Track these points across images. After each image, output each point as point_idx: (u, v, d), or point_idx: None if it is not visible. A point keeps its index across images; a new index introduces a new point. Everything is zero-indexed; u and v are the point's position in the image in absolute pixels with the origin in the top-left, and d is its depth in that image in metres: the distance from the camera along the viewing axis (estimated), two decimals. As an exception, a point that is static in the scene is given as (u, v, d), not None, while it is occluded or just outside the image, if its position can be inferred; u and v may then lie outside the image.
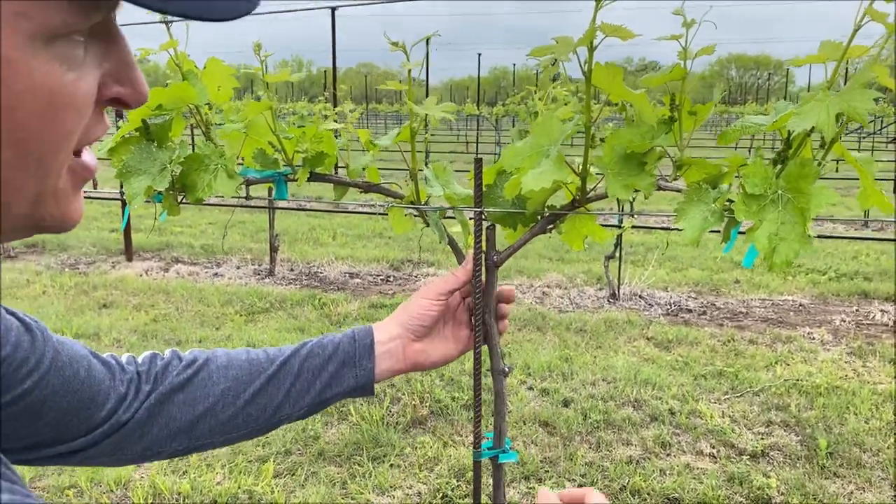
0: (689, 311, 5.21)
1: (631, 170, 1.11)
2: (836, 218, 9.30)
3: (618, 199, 1.09)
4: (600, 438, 3.17)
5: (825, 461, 2.97)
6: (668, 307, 5.28)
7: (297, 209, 8.52)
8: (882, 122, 23.55)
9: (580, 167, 1.13)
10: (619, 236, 5.46)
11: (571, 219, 1.29)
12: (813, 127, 0.96)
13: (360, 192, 1.31)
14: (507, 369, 1.30)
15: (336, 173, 1.32)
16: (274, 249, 6.17)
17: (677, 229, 1.08)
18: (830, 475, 2.89)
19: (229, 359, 0.96)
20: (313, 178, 1.26)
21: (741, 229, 1.14)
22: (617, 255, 5.69)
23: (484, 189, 1.21)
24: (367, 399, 3.56)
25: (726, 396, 3.62)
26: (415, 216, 1.33)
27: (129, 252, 6.79)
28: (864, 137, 22.12)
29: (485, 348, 1.22)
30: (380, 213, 8.41)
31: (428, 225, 1.32)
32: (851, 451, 3.05)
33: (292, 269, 6.44)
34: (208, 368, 0.94)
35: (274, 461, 2.98)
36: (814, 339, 4.54)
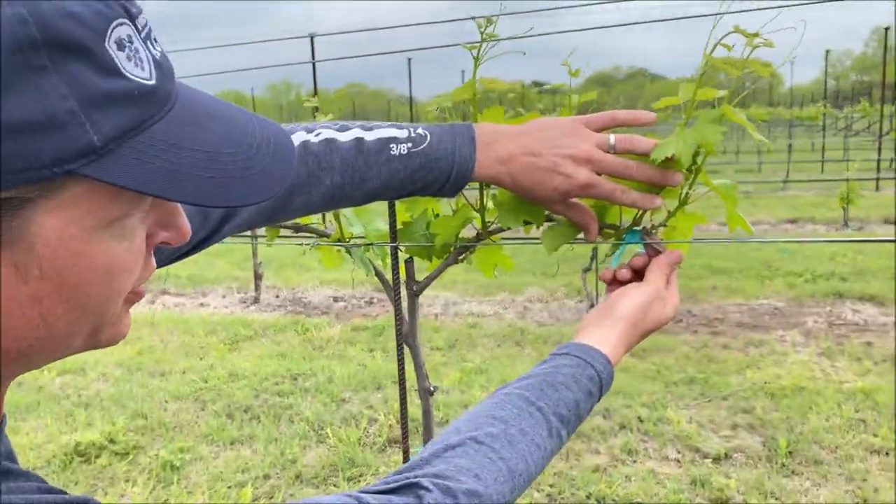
0: (666, 319, 5.31)
1: (522, 203, 1.23)
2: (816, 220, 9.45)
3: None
4: (569, 448, 3.27)
5: (785, 460, 3.08)
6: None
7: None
8: (868, 121, 23.82)
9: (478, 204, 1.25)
10: (595, 248, 5.57)
11: (482, 249, 1.40)
12: (675, 156, 1.07)
13: (292, 232, 1.43)
14: (432, 388, 1.41)
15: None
16: (258, 277, 6.28)
17: (713, 241, 1.20)
18: (789, 473, 3.00)
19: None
20: (243, 222, 1.38)
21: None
22: (593, 266, 5.80)
23: (402, 226, 1.32)
24: (345, 421, 3.66)
25: (695, 402, 3.72)
26: (345, 252, 1.44)
27: (117, 286, 6.88)
28: (853, 135, 22.38)
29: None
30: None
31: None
32: (811, 449, 3.15)
33: (277, 296, 6.55)
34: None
35: (252, 486, 3.07)
36: (786, 341, 4.65)
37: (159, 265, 0.87)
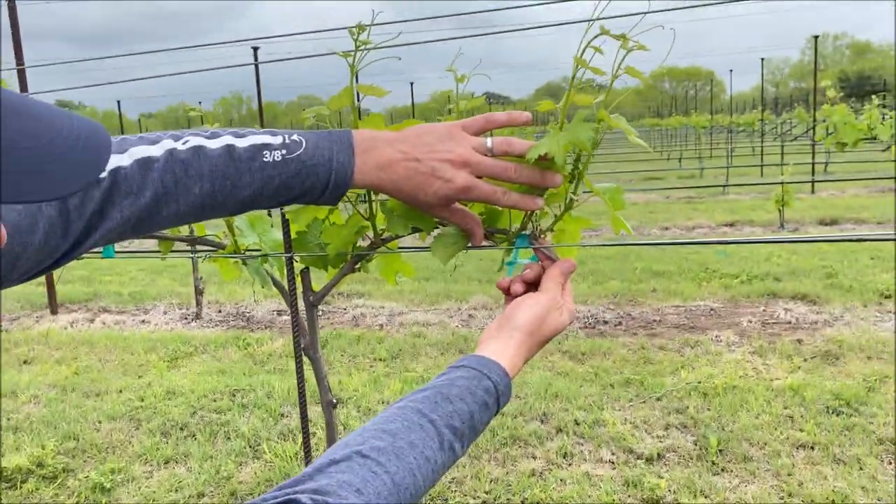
0: (606, 322, 5.39)
1: (412, 212, 1.24)
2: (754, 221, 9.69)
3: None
4: (507, 454, 3.28)
5: (715, 458, 3.14)
6: (586, 320, 5.45)
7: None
8: (804, 127, 24.55)
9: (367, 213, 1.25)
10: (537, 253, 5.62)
11: (383, 258, 1.41)
12: (550, 155, 1.09)
13: (187, 245, 1.41)
14: (335, 401, 1.40)
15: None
16: (199, 292, 6.18)
17: (605, 245, 1.21)
18: (719, 471, 3.06)
19: None
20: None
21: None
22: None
23: (297, 236, 1.32)
24: (283, 436, 3.62)
25: (631, 403, 3.78)
26: (242, 263, 1.43)
27: (53, 305, 6.71)
28: (791, 140, 23.01)
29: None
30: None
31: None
32: (740, 446, 3.23)
33: (220, 311, 6.46)
34: None
35: (185, 505, 3.02)
36: (720, 341, 4.76)
37: (21, 280, 0.85)
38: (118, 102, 20.40)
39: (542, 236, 1.24)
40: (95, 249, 0.92)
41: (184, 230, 1.37)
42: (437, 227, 1.22)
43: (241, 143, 0.88)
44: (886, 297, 5.53)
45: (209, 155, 0.86)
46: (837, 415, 3.48)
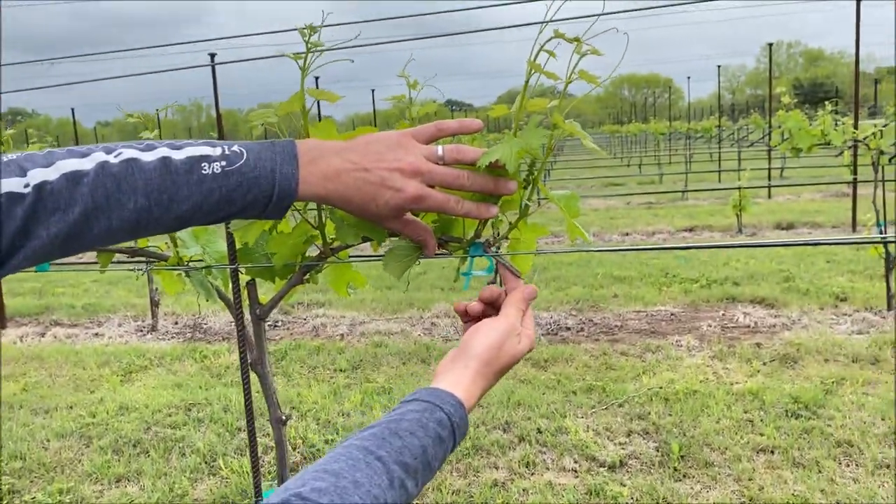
0: (569, 328, 5.39)
1: (362, 220, 1.19)
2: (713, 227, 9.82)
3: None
4: (469, 465, 3.24)
5: (677, 464, 3.13)
6: (549, 327, 5.44)
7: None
8: (761, 133, 25.02)
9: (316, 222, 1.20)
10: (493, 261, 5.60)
11: (333, 268, 1.35)
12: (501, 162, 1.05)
13: (127, 257, 1.34)
14: (284, 417, 1.34)
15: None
16: (155, 304, 6.04)
17: (564, 251, 1.17)
18: (681, 477, 3.05)
19: None
20: (72, 248, 1.29)
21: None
22: (498, 279, 5.83)
23: (242, 246, 1.26)
24: (239, 451, 3.53)
25: (593, 411, 3.76)
26: (185, 276, 1.37)
27: (2, 319, 6.50)
28: (749, 146, 23.44)
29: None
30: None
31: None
32: (702, 451, 3.23)
33: (176, 323, 6.31)
34: None
35: (136, 525, 2.91)
36: (681, 346, 4.78)
37: None
38: (72, 110, 19.98)
39: (497, 244, 1.20)
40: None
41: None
42: (389, 236, 1.18)
43: (178, 155, 0.83)
44: (842, 300, 5.62)
45: (144, 168, 0.81)
46: (796, 418, 3.50)
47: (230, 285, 1.24)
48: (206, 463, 3.43)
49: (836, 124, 6.63)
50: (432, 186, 0.94)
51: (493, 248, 1.18)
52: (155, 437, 3.76)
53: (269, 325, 6.01)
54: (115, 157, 0.81)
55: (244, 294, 1.24)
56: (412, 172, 0.91)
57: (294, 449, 3.48)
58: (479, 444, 3.42)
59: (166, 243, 1.27)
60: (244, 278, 1.27)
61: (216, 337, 5.80)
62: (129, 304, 7.09)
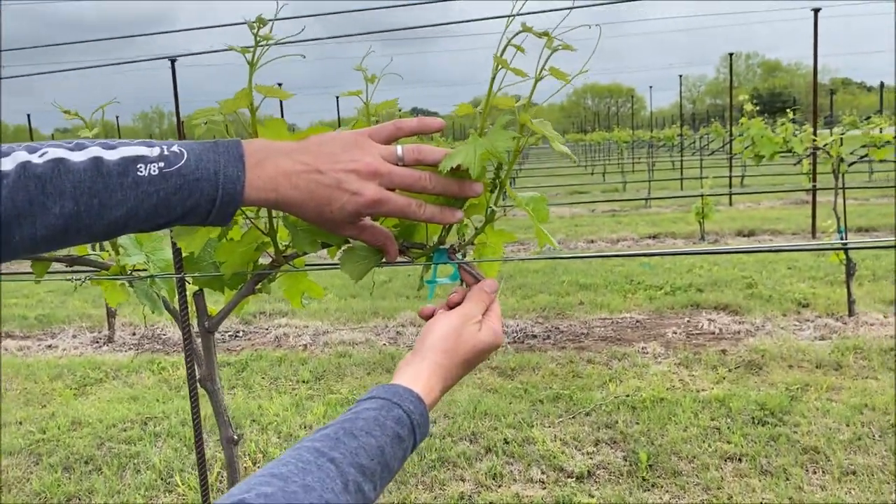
0: (535, 336, 5.35)
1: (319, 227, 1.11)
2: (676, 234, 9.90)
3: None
4: (434, 477, 3.17)
5: (646, 474, 3.10)
6: (515, 335, 5.40)
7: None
8: (721, 141, 25.43)
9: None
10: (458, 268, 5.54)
11: (287, 277, 1.27)
12: (463, 166, 0.99)
13: (66, 266, 1.25)
14: (236, 437, 1.26)
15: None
16: (111, 315, 5.86)
17: (531, 259, 1.10)
18: (650, 487, 3.01)
19: None
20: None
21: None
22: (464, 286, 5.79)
23: (188, 254, 1.18)
24: (197, 468, 3.41)
25: (560, 420, 3.71)
26: (129, 286, 1.28)
27: (-51, 331, 6.26)
28: (709, 155, 23.80)
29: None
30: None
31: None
32: (670, 460, 3.20)
33: (134, 334, 6.14)
34: None
35: (86, 547, 2.78)
36: (647, 353, 4.76)
37: None
38: (28, 116, 19.51)
39: (462, 251, 1.14)
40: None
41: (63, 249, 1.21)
42: (348, 242, 1.11)
43: (111, 155, 0.75)
44: (804, 306, 5.67)
45: (72, 169, 0.72)
46: (763, 425, 3.49)
47: (176, 296, 1.15)
48: (162, 479, 3.30)
49: (795, 133, 6.73)
50: (392, 189, 0.88)
51: (458, 255, 1.12)
52: (109, 452, 3.62)
53: (229, 336, 5.88)
54: (40, 156, 0.72)
55: (192, 305, 1.16)
56: (370, 174, 0.84)
57: (254, 464, 3.37)
58: (445, 455, 3.34)
59: (108, 251, 1.19)
60: (191, 289, 1.18)
61: (175, 348, 5.64)
62: (85, 314, 6.88)
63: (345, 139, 0.87)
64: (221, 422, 1.19)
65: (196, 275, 1.15)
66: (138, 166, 0.74)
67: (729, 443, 3.33)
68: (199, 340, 1.22)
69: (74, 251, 1.21)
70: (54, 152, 0.73)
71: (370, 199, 0.83)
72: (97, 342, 5.95)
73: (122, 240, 1.17)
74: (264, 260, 1.20)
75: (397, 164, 0.87)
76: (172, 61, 9.98)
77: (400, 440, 0.75)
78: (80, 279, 1.15)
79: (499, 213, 1.12)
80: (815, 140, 5.49)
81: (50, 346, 5.94)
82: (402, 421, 0.76)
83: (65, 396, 4.54)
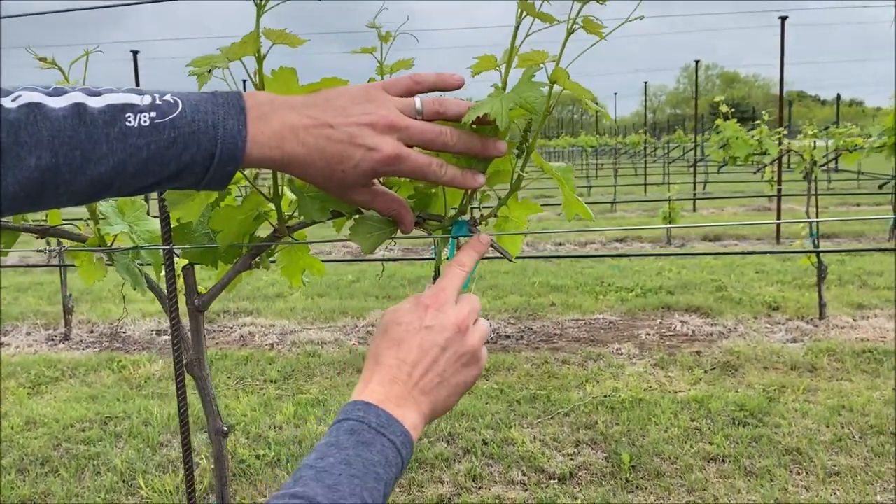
0: (508, 337, 5.27)
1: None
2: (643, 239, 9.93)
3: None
4: (412, 480, 3.05)
5: (629, 475, 3.03)
6: (489, 335, 5.30)
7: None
8: (683, 148, 25.79)
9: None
10: (438, 267, 5.45)
11: (287, 252, 1.16)
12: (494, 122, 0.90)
13: (36, 238, 1.12)
14: (225, 429, 1.15)
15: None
16: (68, 311, 5.62)
17: (497, 257, 1.01)
18: (633, 489, 2.94)
19: None
20: (-34, 223, 1.06)
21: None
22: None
23: (178, 223, 1.06)
24: (161, 468, 3.25)
25: (538, 420, 3.63)
26: (106, 262, 1.15)
27: None
28: (670, 162, 24.11)
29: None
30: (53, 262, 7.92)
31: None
32: (652, 461, 3.13)
33: (92, 331, 5.90)
34: None
35: (43, 553, 2.61)
36: (622, 354, 4.72)
37: None
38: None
39: (485, 223, 1.05)
40: None
41: (32, 218, 1.07)
42: (360, 212, 1.00)
43: (96, 102, 0.63)
44: (774, 309, 5.69)
45: (50, 116, 0.61)
46: (743, 426, 3.45)
47: (162, 271, 1.03)
48: (124, 482, 3.13)
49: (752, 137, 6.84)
50: (409, 146, 0.78)
51: (477, 228, 1.02)
52: (66, 454, 3.44)
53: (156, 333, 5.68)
54: (13, 100, 0.61)
55: (179, 281, 1.04)
56: (386, 127, 0.74)
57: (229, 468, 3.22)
58: (422, 457, 3.24)
59: (85, 221, 1.06)
60: (180, 263, 1.06)
61: (135, 346, 5.43)
62: (40, 311, 6.61)
63: (357, 92, 0.77)
64: (210, 411, 1.08)
65: (187, 246, 1.03)
66: (126, 115, 0.64)
67: (711, 444, 3.28)
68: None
69: (47, 220, 1.08)
70: (29, 96, 0.62)
71: (388, 154, 0.73)
72: (52, 340, 5.71)
73: (103, 206, 1.05)
74: (261, 232, 1.09)
75: (416, 118, 0.78)
76: (135, 53, 9.73)
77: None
78: (53, 250, 1.03)
79: (526, 181, 1.02)
80: (789, 142, 5.53)
81: (2, 344, 5.68)
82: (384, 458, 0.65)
83: (18, 396, 4.32)
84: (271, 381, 4.45)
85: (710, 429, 3.44)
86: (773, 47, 8.46)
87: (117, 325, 5.99)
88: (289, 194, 1.03)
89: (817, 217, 5.08)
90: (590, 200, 14.85)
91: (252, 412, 3.87)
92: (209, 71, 0.86)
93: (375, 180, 0.80)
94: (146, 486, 3.07)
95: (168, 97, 0.66)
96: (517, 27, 0.87)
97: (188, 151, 0.66)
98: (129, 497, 3.02)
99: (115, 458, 3.34)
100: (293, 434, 3.56)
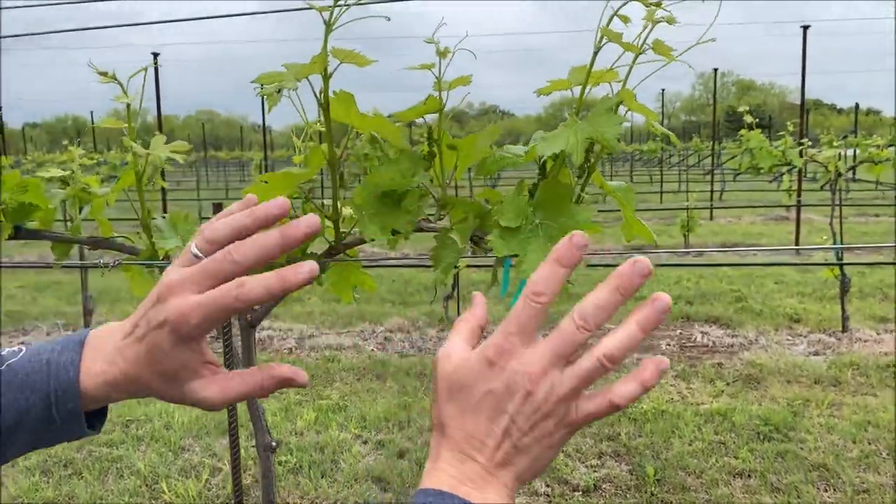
0: (527, 346, 5.24)
1: (388, 209, 1.00)
2: (660, 250, 9.88)
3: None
4: (435, 489, 3.04)
5: (654, 489, 3.00)
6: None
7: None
8: (699, 156, 25.67)
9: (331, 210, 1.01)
10: (457, 275, 5.44)
11: (338, 267, 1.16)
12: (563, 153, 0.89)
13: (90, 249, 1.12)
14: (273, 444, 1.14)
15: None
16: (88, 312, 5.65)
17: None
18: (658, 502, 2.92)
19: None
20: (22, 234, 1.06)
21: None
22: (455, 294, 5.69)
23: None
24: (184, 473, 3.25)
25: (561, 431, 3.61)
26: (159, 272, 1.15)
27: (-85, 326, 6.00)
28: (683, 170, 24.01)
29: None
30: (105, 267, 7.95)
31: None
32: (677, 475, 3.11)
33: (111, 333, 5.93)
34: None
35: (68, 557, 2.61)
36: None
37: None
38: (-1, 108, 19.05)
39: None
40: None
41: (81, 232, 1.08)
42: (420, 230, 1.00)
43: None
44: (795, 321, 5.65)
45: None
46: (769, 440, 3.42)
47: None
48: (146, 486, 3.14)
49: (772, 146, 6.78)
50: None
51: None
52: (89, 456, 3.45)
53: (210, 337, 5.70)
54: None
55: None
56: (165, 292, 0.61)
57: (245, 471, 3.22)
58: (444, 466, 3.22)
59: (139, 233, 1.06)
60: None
61: (155, 348, 5.45)
62: (59, 312, 6.65)
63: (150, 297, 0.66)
64: (259, 427, 1.07)
65: (242, 262, 1.02)
66: None
67: (736, 458, 3.25)
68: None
69: (99, 232, 1.08)
70: None
71: (171, 319, 0.60)
72: (72, 341, 5.74)
73: (158, 222, 1.05)
74: (315, 249, 1.08)
75: (197, 260, 0.63)
76: (155, 55, 9.79)
77: None
78: (107, 264, 1.02)
79: (590, 201, 1.01)
80: (814, 153, 5.48)
81: (22, 345, 5.70)
82: None
83: (40, 396, 4.34)
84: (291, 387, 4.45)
85: (734, 443, 3.40)
86: (789, 55, 8.41)
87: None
88: (346, 212, 1.02)
89: (841, 228, 5.04)
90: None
91: (273, 417, 3.87)
92: (278, 91, 0.85)
93: (209, 363, 0.65)
94: (169, 491, 3.07)
95: (16, 347, 0.64)
96: (596, 52, 0.86)
97: (23, 394, 0.61)
98: (153, 501, 3.03)
99: (138, 461, 3.35)
100: (315, 440, 3.55)
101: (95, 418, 0.66)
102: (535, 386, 0.58)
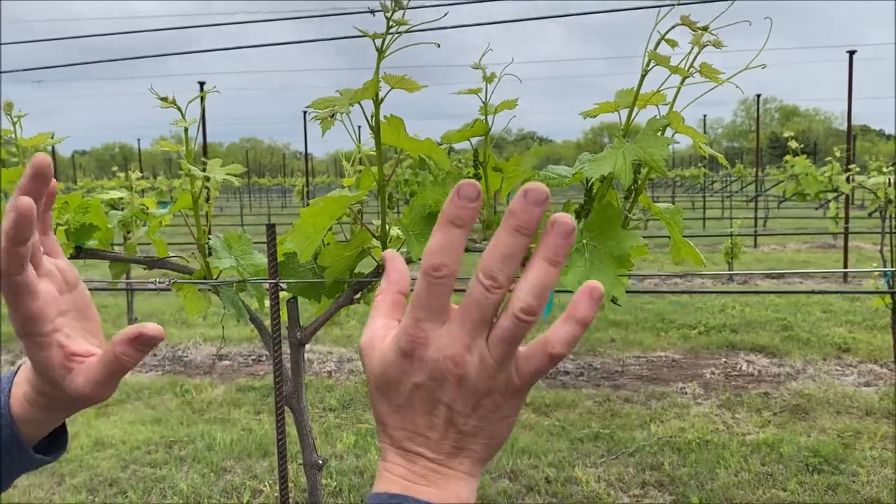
0: (567, 372, 5.20)
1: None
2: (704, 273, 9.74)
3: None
4: (475, 516, 3.02)
5: (699, 520, 2.94)
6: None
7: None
8: (742, 182, 25.33)
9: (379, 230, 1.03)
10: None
11: (384, 288, 1.16)
12: (611, 174, 0.89)
13: (144, 269, 1.15)
14: (321, 461, 1.15)
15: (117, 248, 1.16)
16: (134, 334, 5.76)
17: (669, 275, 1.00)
18: (704, 534, 2.86)
19: None
20: (81, 254, 1.09)
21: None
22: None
23: (283, 258, 1.08)
24: (225, 493, 3.28)
25: (602, 460, 3.56)
26: (210, 292, 1.18)
27: (-30, 346, 6.17)
28: (726, 196, 23.69)
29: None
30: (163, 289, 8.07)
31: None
32: (723, 507, 3.04)
33: (155, 355, 6.03)
34: None
35: (112, 575, 2.65)
36: (686, 393, 4.61)
37: None
38: (52, 136, 19.69)
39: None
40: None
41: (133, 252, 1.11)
42: (467, 250, 1.00)
43: None
44: (844, 351, 5.50)
45: None
46: (818, 473, 3.33)
47: (266, 303, 1.05)
48: (189, 507, 3.17)
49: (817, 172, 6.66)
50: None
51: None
52: (133, 475, 3.50)
53: (252, 360, 5.77)
54: None
55: (283, 315, 1.05)
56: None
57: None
58: (484, 494, 3.20)
59: (192, 254, 1.09)
60: (283, 296, 1.08)
61: (197, 370, 5.53)
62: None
63: None
64: (306, 444, 1.08)
65: (292, 280, 1.05)
66: None
67: (784, 490, 3.16)
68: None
69: (154, 252, 1.11)
70: None
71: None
72: (118, 362, 5.85)
73: (214, 241, 1.07)
74: (363, 269, 1.10)
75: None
76: (201, 84, 10.04)
77: None
78: (163, 282, 1.05)
79: (635, 222, 1.01)
80: (863, 179, 5.38)
81: (70, 365, 5.84)
82: None
83: (86, 416, 4.43)
84: (330, 410, 4.47)
85: (782, 474, 3.32)
86: (833, 80, 8.29)
87: (217, 351, 6.10)
88: (395, 232, 1.03)
89: (892, 255, 4.91)
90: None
91: (313, 440, 3.88)
92: (332, 116, 0.87)
93: (75, 355, 0.64)
94: (211, 512, 3.10)
95: None
96: (644, 74, 0.87)
97: None
98: (195, 522, 3.05)
99: (181, 482, 3.39)
100: (354, 464, 3.56)
101: (52, 447, 0.67)
102: (463, 368, 0.50)
